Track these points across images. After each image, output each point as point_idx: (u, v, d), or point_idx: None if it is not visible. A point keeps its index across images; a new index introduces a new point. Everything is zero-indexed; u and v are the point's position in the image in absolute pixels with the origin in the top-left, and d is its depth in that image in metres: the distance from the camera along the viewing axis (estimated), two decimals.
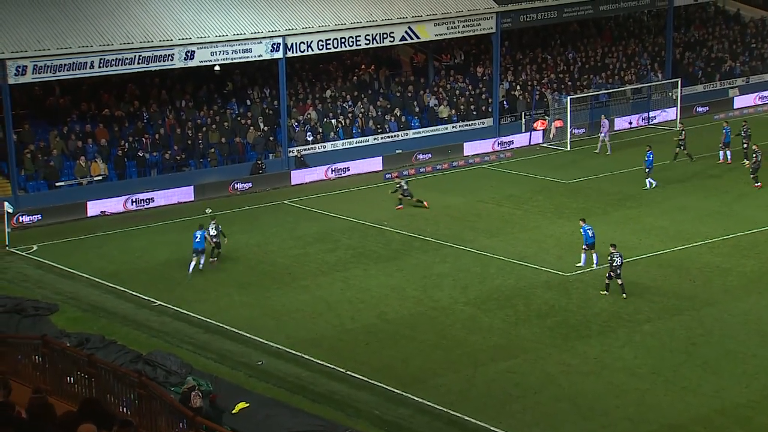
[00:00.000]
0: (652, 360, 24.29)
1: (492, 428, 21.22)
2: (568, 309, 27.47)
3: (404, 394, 22.88)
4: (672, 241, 32.66)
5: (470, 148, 45.67)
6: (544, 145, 46.85)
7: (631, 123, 49.36)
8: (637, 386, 23.01)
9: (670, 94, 50.19)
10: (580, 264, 30.19)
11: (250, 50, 41.47)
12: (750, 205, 36.24)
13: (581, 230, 30.20)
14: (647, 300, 27.97)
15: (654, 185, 38.36)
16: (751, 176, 38.01)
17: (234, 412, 20.89)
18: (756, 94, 52.94)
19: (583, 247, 30.17)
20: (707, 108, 51.25)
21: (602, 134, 44.71)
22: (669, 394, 22.60)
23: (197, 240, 30.90)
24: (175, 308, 28.36)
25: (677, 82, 49.58)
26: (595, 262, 30.08)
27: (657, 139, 44.82)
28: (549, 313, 27.30)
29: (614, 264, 27.74)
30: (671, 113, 49.38)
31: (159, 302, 28.85)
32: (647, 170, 38.62)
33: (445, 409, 22.09)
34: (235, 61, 41.72)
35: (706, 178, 40.09)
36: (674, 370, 23.74)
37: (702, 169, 41.17)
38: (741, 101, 52.48)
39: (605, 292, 27.96)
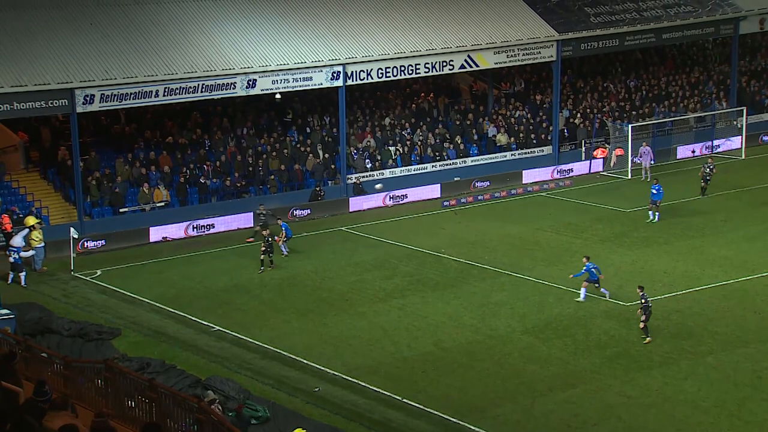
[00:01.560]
0: (716, 393, 23.81)
1: None
2: (629, 339, 27.08)
3: (461, 423, 22.74)
4: (736, 271, 32.05)
5: (529, 176, 45.50)
6: (605, 173, 46.47)
7: (694, 152, 48.71)
8: (700, 420, 22.56)
9: (734, 122, 49.46)
10: (580, 299, 29.58)
11: (311, 78, 41.97)
12: None
13: (585, 267, 29.53)
14: (710, 331, 27.45)
15: (654, 219, 37.53)
16: None
17: None
18: None
19: (585, 281, 29.58)
20: None
21: (645, 161, 44.29)
22: (733, 428, 22.10)
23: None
24: (234, 334, 28.63)
25: (742, 110, 48.84)
26: (607, 295, 29.54)
27: (721, 167, 44.07)
28: (609, 343, 26.96)
29: (648, 306, 26.71)
30: (736, 142, 48.63)
31: (218, 327, 29.17)
32: (654, 204, 37.71)
33: None
34: (295, 89, 42.27)
35: None
36: (739, 403, 23.23)
37: None
38: None
39: (648, 338, 26.75)
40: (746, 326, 27.72)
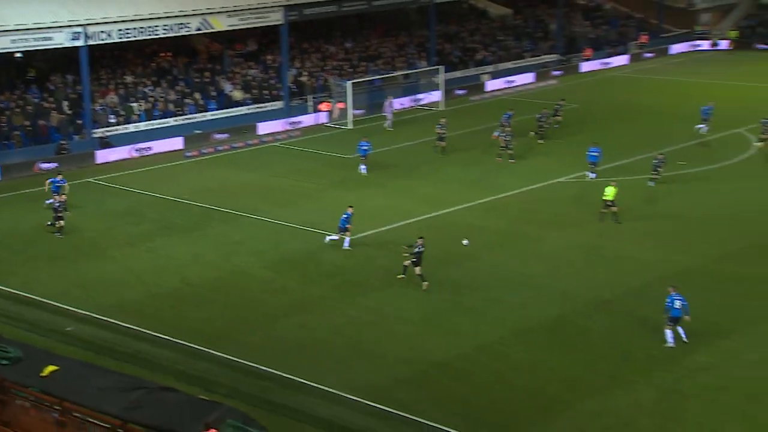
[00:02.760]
0: (423, 309, 25.25)
1: (289, 376, 21.42)
2: (352, 269, 28.01)
3: (207, 350, 22.63)
4: (440, 206, 33.92)
5: (263, 128, 45.44)
6: (329, 124, 47.36)
7: (402, 104, 50.72)
8: (410, 332, 23.90)
9: (433, 79, 51.94)
10: (334, 237, 29.28)
11: (51, 38, 39.22)
12: (502, 175, 38.14)
13: (345, 214, 29.16)
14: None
15: (364, 172, 37.57)
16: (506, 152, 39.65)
17: (43, 375, 19.86)
18: (503, 78, 55.90)
19: (340, 228, 29.14)
20: (466, 91, 53.54)
21: (387, 112, 45.76)
22: (436, 336, 23.63)
23: None
24: None
25: (439, 69, 51.35)
26: (346, 243, 29.14)
27: (422, 119, 46.24)
28: (336, 273, 27.76)
29: (417, 251, 26.30)
30: (436, 95, 51.17)
31: None
32: (362, 157, 37.88)
33: (246, 362, 22.05)
34: (36, 48, 39.27)
35: (472, 153, 41.65)
36: (441, 316, 24.82)
37: (476, 146, 42.27)
38: (491, 85, 55.26)
39: (403, 275, 26.60)
40: (449, 250, 29.46)
